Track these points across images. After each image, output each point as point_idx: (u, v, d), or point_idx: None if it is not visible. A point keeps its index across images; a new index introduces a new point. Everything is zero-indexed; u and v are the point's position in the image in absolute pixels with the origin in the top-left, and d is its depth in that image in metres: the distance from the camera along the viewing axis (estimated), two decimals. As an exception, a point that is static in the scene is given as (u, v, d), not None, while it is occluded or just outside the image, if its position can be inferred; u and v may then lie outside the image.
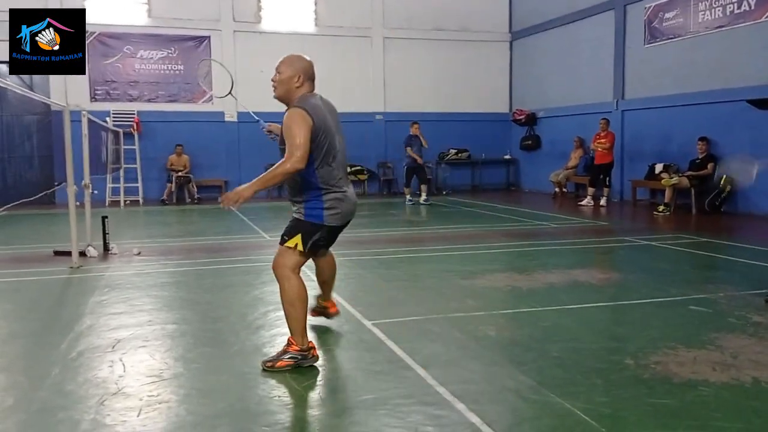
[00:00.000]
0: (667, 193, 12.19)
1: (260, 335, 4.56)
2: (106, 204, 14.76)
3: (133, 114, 16.09)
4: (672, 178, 12.29)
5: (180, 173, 15.85)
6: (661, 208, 12.00)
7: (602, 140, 13.81)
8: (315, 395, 3.41)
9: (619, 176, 14.74)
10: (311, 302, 4.32)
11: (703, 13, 12.60)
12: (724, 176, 11.76)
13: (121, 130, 14.96)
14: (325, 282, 4.61)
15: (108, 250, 8.07)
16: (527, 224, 10.94)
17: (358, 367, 3.89)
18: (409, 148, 14.70)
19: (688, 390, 3.42)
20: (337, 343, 4.40)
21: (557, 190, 15.95)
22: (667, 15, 13.49)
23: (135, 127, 15.96)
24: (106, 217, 8.28)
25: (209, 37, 16.65)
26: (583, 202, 13.82)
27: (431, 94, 18.27)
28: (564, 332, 4.53)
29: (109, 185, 15.30)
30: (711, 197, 11.89)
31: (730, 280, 6.42)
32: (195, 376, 3.78)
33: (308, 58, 4.09)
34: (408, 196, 14.89)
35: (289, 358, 3.79)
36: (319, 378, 3.66)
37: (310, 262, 4.24)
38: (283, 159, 3.64)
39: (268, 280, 6.49)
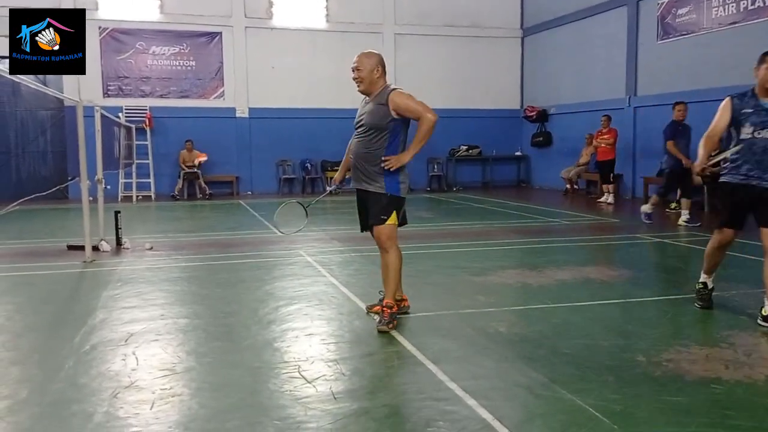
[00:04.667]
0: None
1: (271, 330, 4.58)
2: (119, 199, 14.85)
3: (145, 109, 16.17)
4: (684, 175, 12.17)
5: (189, 169, 15.90)
6: (673, 205, 11.91)
7: (605, 136, 13.79)
8: (326, 389, 3.42)
9: (631, 173, 14.68)
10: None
11: (716, 9, 12.49)
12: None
13: (133, 126, 15.05)
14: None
15: (121, 245, 8.12)
16: (538, 221, 10.90)
17: (369, 362, 3.89)
18: (671, 143, 9.82)
19: (700, 388, 3.41)
20: (347, 338, 4.41)
21: (568, 186, 15.89)
22: (680, 11, 13.38)
23: (147, 123, 16.04)
24: (119, 211, 8.33)
25: (221, 33, 16.70)
26: (601, 200, 13.75)
27: (442, 91, 18.19)
28: (575, 329, 4.52)
29: (122, 180, 15.39)
30: (724, 195, 11.77)
31: (742, 277, 6.37)
32: (207, 370, 3.80)
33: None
34: (647, 210, 9.90)
35: (395, 318, 4.52)
36: (330, 373, 3.67)
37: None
38: (422, 117, 4.38)
39: (279, 275, 6.54)
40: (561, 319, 4.79)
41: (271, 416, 3.13)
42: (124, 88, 16.23)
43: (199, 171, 16.01)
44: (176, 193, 15.79)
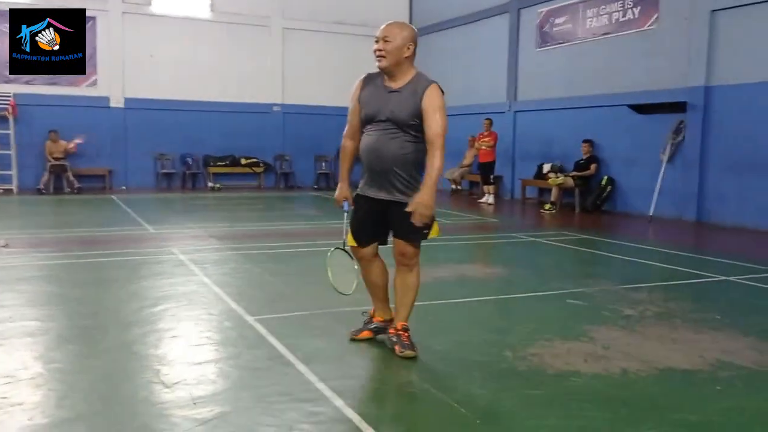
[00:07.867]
0: (554, 192, 12.70)
1: (131, 332, 4.28)
2: (-25, 192, 13.60)
3: (9, 96, 14.91)
4: (558, 177, 12.81)
5: (56, 161, 14.81)
6: (547, 206, 12.48)
7: (486, 139, 14.26)
8: (185, 395, 3.22)
9: (510, 175, 15.24)
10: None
11: (590, 20, 13.19)
12: (605, 177, 12.41)
13: (-7, 113, 13.84)
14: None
15: (-30, 242, 7.41)
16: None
17: (235, 365, 3.71)
18: None
19: (560, 380, 3.51)
20: (215, 339, 4.20)
21: (453, 186, 16.27)
22: (557, 20, 14.03)
23: (10, 111, 14.81)
24: (-31, 205, 7.60)
25: (95, 17, 15.68)
26: (482, 200, 14.14)
27: (331, 88, 18.07)
28: (448, 326, 4.56)
29: (-21, 172, 14.13)
30: (593, 197, 12.50)
31: (606, 275, 6.73)
32: (55, 376, 3.49)
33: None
34: None
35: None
36: (192, 377, 3.46)
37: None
38: (435, 150, 3.70)
39: (146, 274, 6.18)
40: (435, 317, 4.81)
41: (123, 425, 2.90)
42: (-16, 72, 14.88)
43: (67, 164, 14.93)
44: (42, 186, 14.66)
